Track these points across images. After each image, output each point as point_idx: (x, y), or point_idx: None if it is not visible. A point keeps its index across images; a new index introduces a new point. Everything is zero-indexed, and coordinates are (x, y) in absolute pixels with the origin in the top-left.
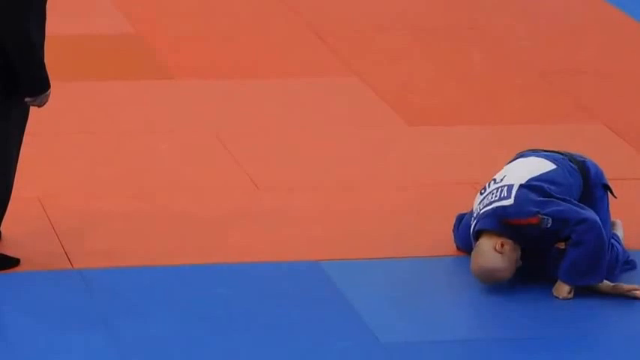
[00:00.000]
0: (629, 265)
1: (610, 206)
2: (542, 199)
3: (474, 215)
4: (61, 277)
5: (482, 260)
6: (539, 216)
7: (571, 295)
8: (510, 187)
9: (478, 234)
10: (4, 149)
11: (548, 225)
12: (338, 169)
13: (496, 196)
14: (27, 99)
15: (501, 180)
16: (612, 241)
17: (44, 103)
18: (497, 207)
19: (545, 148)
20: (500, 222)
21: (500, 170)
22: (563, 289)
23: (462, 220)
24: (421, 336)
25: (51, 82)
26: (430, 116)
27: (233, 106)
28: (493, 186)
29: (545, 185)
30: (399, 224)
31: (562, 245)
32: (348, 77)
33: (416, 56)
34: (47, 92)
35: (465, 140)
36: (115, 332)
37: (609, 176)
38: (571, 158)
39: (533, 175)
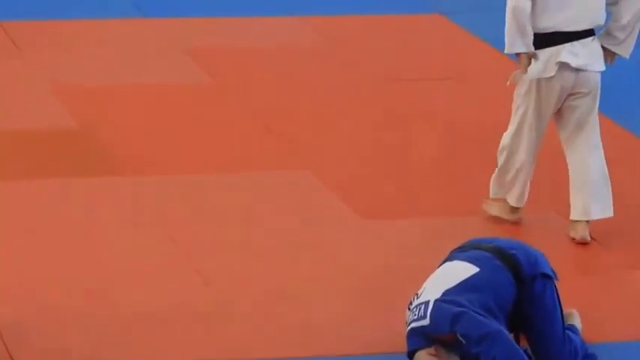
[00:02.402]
0: (589, 359)
1: (560, 297)
2: (455, 312)
3: (406, 332)
4: None
5: None
6: (454, 334)
7: None
8: (427, 304)
9: (411, 355)
10: None
11: (463, 342)
12: (289, 265)
13: (415, 315)
14: None
15: (420, 295)
16: (569, 333)
17: None
18: (417, 327)
19: (478, 242)
20: (425, 338)
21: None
22: None
23: None
24: None
25: None
26: (383, 209)
27: (182, 201)
28: (415, 302)
29: (463, 296)
30: (350, 321)
31: None
32: (300, 170)
33: (366, 145)
34: None
35: (417, 233)
36: None
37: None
38: (499, 254)
39: (450, 286)
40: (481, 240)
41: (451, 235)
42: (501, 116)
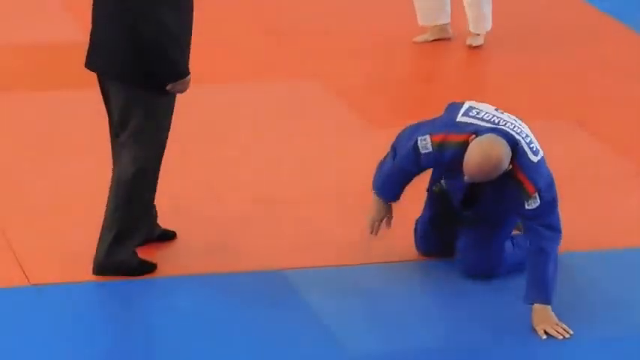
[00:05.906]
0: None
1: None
2: (550, 181)
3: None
4: (15, 293)
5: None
6: (539, 192)
7: (561, 327)
8: (537, 149)
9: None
10: (160, 142)
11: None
12: (300, 175)
13: (519, 129)
14: (167, 86)
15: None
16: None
17: (185, 90)
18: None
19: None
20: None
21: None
22: (547, 317)
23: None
24: (388, 345)
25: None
26: (393, 118)
27: (192, 111)
28: (503, 116)
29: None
30: (363, 230)
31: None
32: (309, 80)
33: (379, 54)
34: (187, 78)
35: None
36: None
37: (573, 173)
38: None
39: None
40: None
41: None
42: None
